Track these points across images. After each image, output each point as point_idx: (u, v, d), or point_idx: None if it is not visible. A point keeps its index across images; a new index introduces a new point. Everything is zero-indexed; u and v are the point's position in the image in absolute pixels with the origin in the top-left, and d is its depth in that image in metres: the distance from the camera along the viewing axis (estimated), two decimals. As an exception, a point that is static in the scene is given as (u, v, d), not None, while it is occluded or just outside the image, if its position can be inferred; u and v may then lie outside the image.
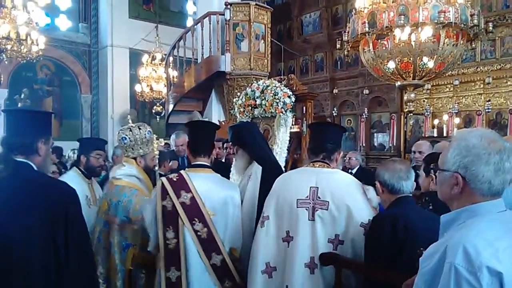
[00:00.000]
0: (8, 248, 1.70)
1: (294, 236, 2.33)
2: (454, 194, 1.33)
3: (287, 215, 2.38)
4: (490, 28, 6.08)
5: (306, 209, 2.33)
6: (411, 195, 2.25)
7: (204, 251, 2.39)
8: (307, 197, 2.35)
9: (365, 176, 4.50)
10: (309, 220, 2.32)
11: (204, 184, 2.48)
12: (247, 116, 4.45)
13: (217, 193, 2.49)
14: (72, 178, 3.16)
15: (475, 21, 5.62)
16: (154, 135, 3.05)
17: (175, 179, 2.48)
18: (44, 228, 1.74)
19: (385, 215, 2.19)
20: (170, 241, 2.39)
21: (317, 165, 2.47)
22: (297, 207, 2.35)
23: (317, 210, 2.31)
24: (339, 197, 2.32)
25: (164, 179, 2.50)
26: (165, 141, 6.57)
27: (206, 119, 8.21)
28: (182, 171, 2.57)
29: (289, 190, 2.42)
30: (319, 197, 2.33)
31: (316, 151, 2.51)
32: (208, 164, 2.62)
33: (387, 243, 2.02)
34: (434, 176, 2.29)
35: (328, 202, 2.31)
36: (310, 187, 2.36)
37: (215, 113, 8.14)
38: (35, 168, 1.88)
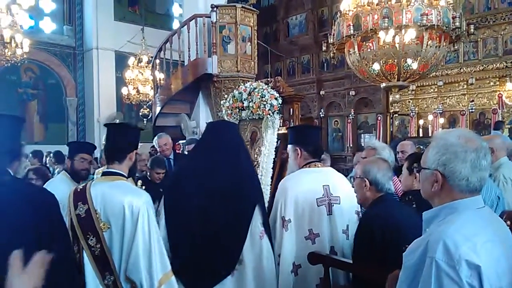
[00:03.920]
0: None
1: (319, 233, 2.54)
2: (435, 191, 1.39)
3: (308, 214, 2.55)
4: (472, 30, 6.20)
5: (325, 206, 2.57)
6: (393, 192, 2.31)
7: (98, 269, 2.19)
8: (323, 195, 2.58)
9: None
10: (327, 215, 2.57)
11: (102, 192, 2.23)
12: (234, 118, 4.47)
13: (113, 200, 2.20)
14: (61, 181, 3.22)
15: (457, 23, 5.73)
16: None
17: (79, 190, 2.29)
18: (27, 235, 1.73)
19: (374, 216, 2.19)
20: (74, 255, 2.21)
21: (319, 165, 2.72)
22: (318, 206, 2.56)
23: (333, 205, 2.58)
24: (345, 190, 2.64)
25: (72, 189, 2.34)
26: (152, 145, 6.56)
27: (193, 122, 8.20)
28: (90, 181, 2.37)
29: (306, 191, 2.58)
30: (331, 193, 2.60)
31: (317, 153, 2.76)
32: (121, 172, 2.33)
33: (377, 244, 2.05)
34: (417, 175, 2.36)
35: (339, 197, 2.60)
36: (323, 186, 2.60)
37: (203, 116, 8.12)
38: (12, 173, 1.87)
